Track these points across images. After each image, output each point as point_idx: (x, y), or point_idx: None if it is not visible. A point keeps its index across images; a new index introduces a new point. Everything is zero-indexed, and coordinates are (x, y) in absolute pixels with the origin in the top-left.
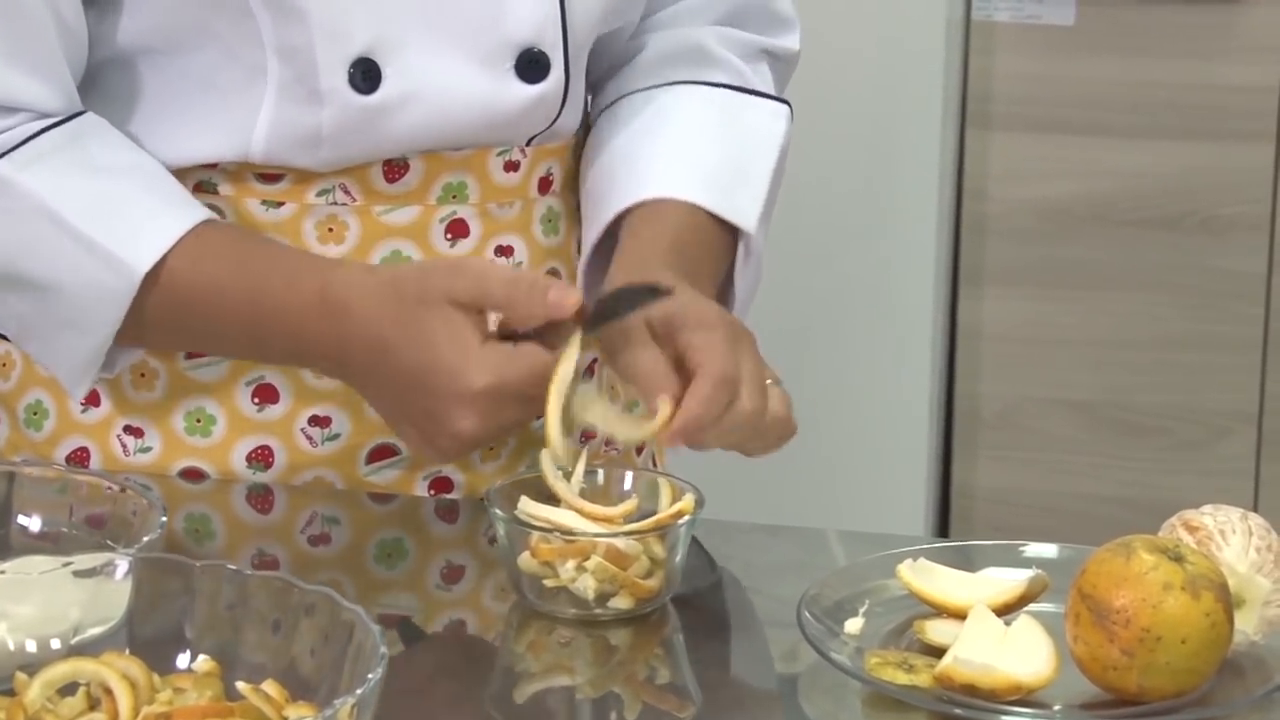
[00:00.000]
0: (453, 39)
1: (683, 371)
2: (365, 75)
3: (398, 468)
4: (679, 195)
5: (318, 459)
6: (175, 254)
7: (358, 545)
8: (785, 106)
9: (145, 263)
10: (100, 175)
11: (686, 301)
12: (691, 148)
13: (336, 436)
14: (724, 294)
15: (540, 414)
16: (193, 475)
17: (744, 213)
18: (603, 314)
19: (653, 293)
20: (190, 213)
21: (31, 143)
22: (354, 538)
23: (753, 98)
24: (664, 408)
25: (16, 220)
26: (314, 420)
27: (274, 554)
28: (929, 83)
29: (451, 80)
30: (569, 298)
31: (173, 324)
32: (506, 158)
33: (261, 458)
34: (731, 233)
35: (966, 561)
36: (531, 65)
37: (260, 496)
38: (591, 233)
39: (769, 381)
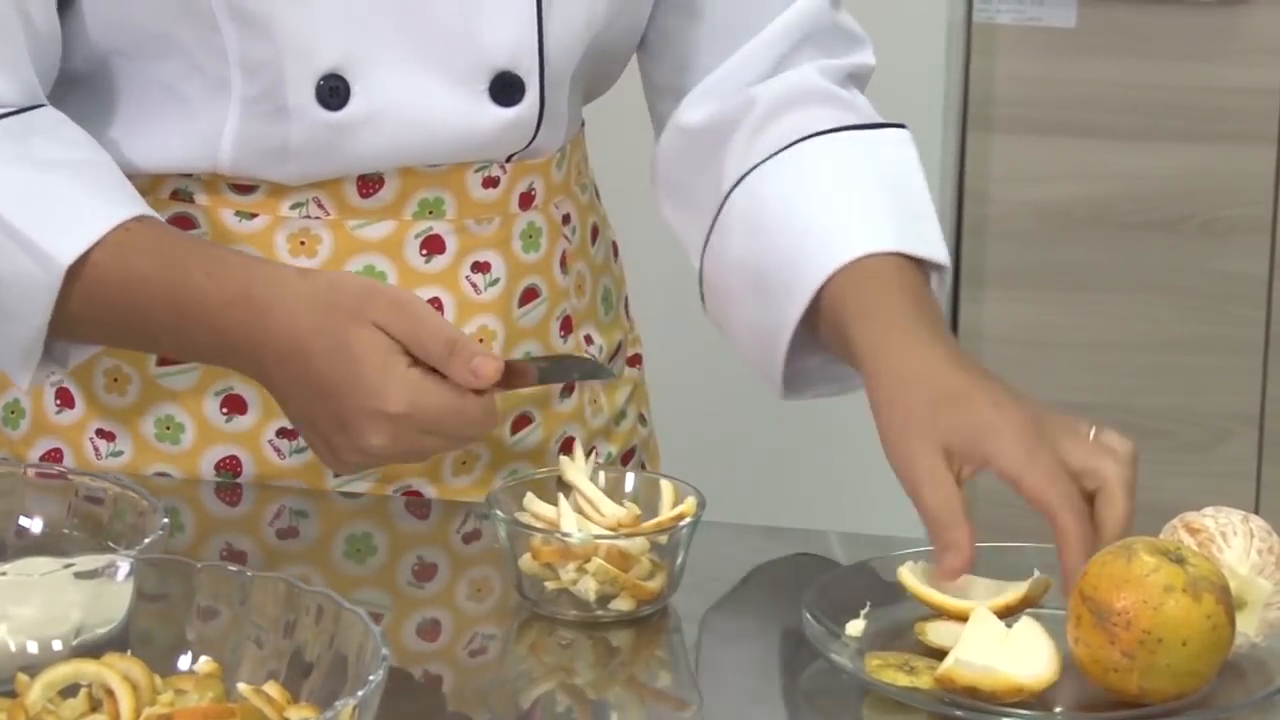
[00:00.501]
0: (425, 59)
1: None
2: (333, 92)
3: (367, 480)
4: (874, 249)
5: (286, 471)
6: (101, 248)
7: (326, 540)
8: (905, 131)
9: (68, 256)
10: (39, 168)
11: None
12: (858, 199)
13: (304, 449)
14: None
15: (452, 449)
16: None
17: (934, 245)
18: (548, 376)
19: (592, 371)
20: (122, 209)
21: None
22: (323, 532)
23: (876, 131)
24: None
25: None
26: (282, 432)
27: (242, 549)
28: (930, 85)
29: (423, 100)
30: (487, 368)
31: (99, 317)
32: (485, 174)
33: (229, 467)
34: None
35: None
36: (506, 89)
37: (228, 491)
38: (793, 310)
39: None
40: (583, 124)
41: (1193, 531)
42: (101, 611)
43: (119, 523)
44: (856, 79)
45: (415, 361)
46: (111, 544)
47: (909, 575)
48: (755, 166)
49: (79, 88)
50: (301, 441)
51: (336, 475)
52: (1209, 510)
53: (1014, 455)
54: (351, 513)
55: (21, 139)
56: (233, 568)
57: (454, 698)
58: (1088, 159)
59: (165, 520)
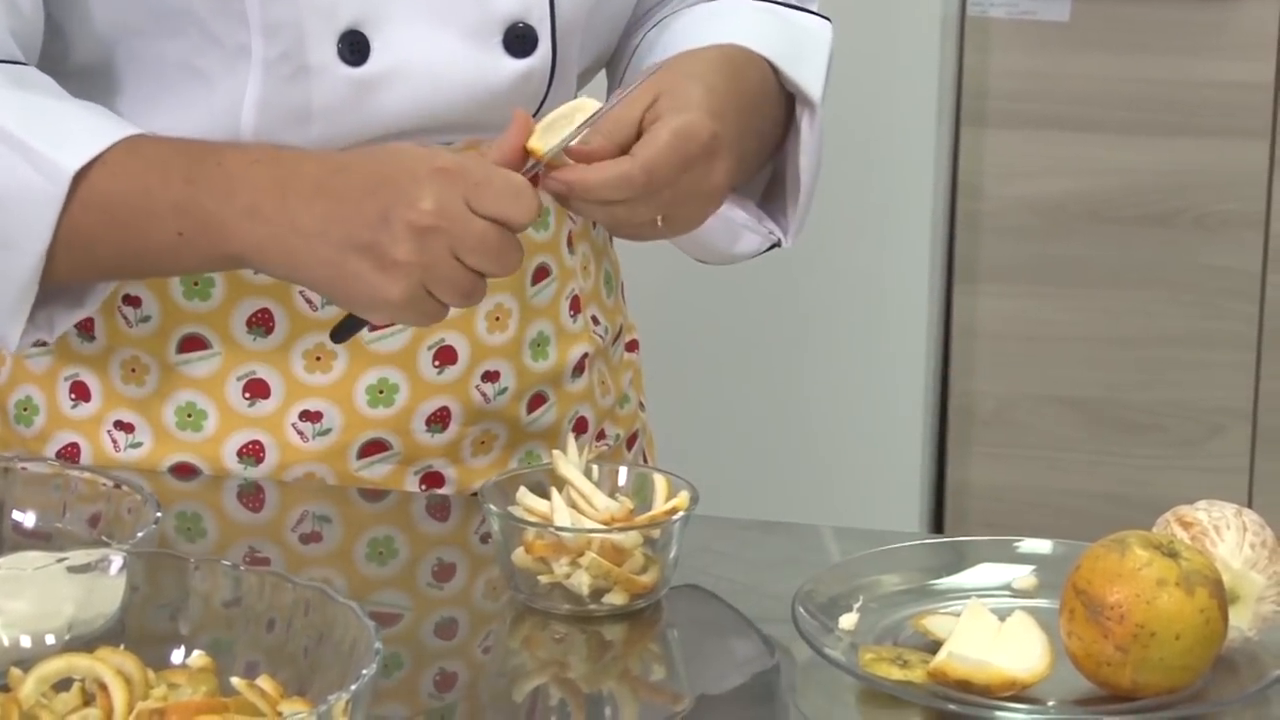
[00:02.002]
0: (439, 12)
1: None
2: (353, 48)
3: (389, 462)
4: (746, 44)
5: (309, 454)
6: (108, 156)
7: (349, 542)
8: (828, 22)
9: (77, 160)
10: (40, 94)
11: (681, 111)
12: (751, 22)
13: (328, 432)
14: (778, 182)
15: (494, 264)
16: (184, 470)
17: (809, 81)
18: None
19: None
20: (127, 127)
21: None
22: (345, 535)
23: (799, 11)
24: (593, 140)
25: None
26: (305, 415)
27: (265, 552)
28: (924, 79)
29: (439, 53)
30: (514, 136)
31: (103, 228)
32: None
33: (252, 453)
34: (783, 110)
35: (961, 558)
36: (519, 40)
37: (251, 494)
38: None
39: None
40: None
41: (1186, 525)
42: (95, 606)
43: (112, 517)
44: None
45: None
46: (105, 538)
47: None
48: (675, 13)
49: (90, 77)
50: (324, 424)
51: (377, 323)
52: (1202, 504)
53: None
54: (374, 515)
55: (15, 76)
56: (225, 562)
57: (446, 692)
58: (1081, 154)
59: (158, 514)
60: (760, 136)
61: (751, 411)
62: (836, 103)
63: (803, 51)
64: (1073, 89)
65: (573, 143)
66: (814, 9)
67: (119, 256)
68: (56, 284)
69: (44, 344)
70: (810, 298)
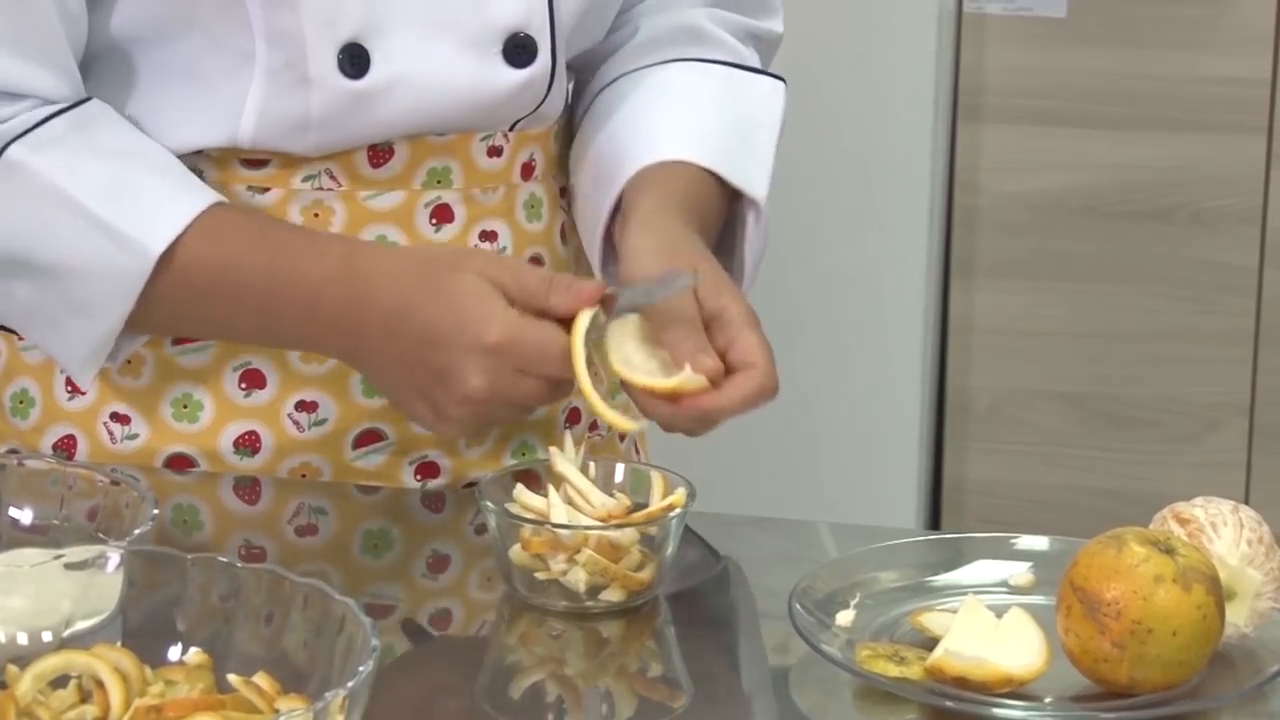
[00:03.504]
0: (440, 24)
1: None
2: (354, 61)
3: (384, 453)
4: (689, 158)
5: (304, 444)
6: (190, 234)
7: (345, 536)
8: (781, 83)
9: (160, 243)
10: (111, 159)
11: (731, 299)
12: (696, 116)
13: (323, 422)
14: (726, 263)
15: (544, 402)
16: (180, 462)
17: (754, 181)
18: (626, 301)
19: (673, 284)
20: (203, 195)
21: (41, 127)
22: (341, 528)
23: (750, 74)
24: (707, 360)
25: (30, 203)
26: (301, 405)
27: (261, 545)
28: (921, 75)
29: (439, 65)
30: (592, 286)
31: (185, 305)
32: (490, 143)
33: (249, 443)
34: (730, 202)
35: (958, 554)
36: (519, 50)
37: (247, 488)
38: (606, 201)
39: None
40: (567, 104)
41: (1183, 522)
42: (92, 602)
43: (109, 513)
44: (760, 40)
45: (514, 304)
46: (102, 535)
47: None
48: (624, 74)
49: (91, 75)
50: (320, 414)
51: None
52: (1199, 500)
53: (752, 343)
54: (369, 508)
55: (86, 131)
56: (222, 559)
57: (443, 689)
58: (1078, 149)
59: (155, 511)
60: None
61: None
62: (834, 98)
63: (749, 143)
64: (1069, 84)
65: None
66: (769, 71)
67: (200, 328)
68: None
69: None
70: (806, 292)
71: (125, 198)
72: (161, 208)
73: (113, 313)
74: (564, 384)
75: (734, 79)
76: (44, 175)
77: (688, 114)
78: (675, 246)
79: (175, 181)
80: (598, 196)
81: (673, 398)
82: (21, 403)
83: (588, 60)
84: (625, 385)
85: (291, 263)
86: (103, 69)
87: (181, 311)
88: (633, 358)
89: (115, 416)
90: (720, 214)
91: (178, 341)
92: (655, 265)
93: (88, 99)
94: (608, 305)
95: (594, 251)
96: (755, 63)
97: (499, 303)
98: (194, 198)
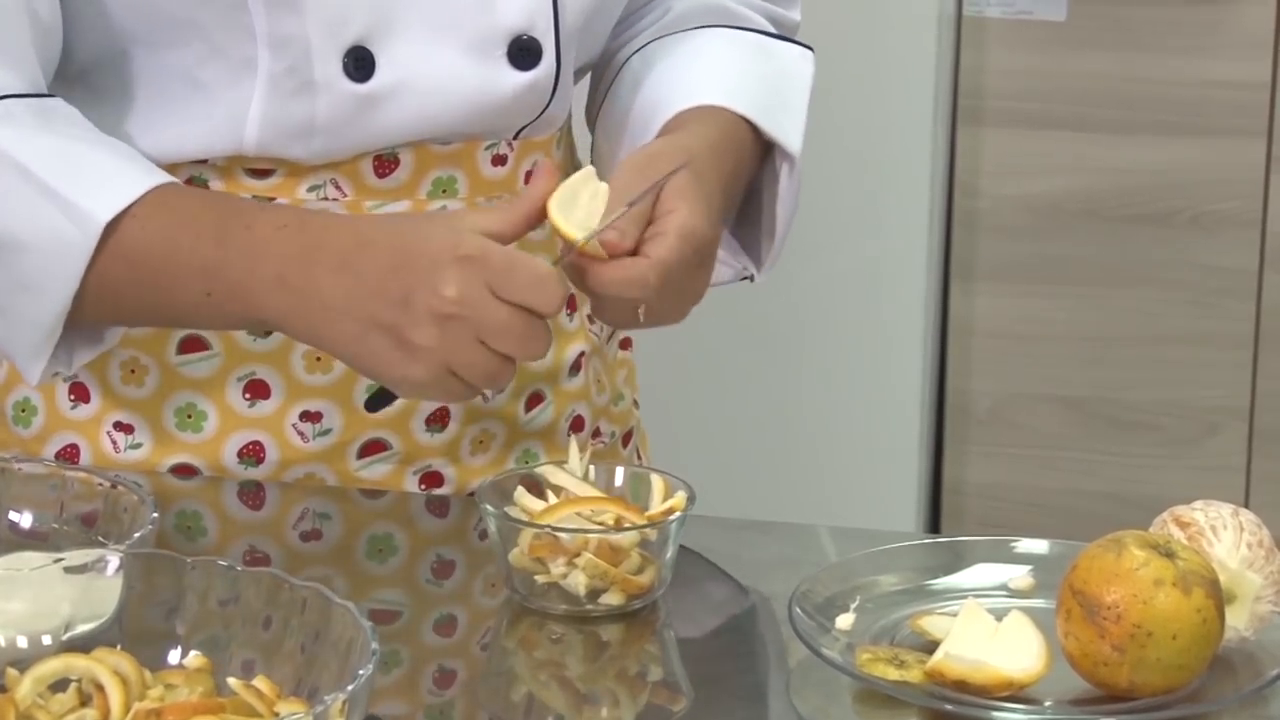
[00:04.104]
0: (444, 27)
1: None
2: (359, 64)
3: (388, 463)
4: (726, 104)
5: (309, 454)
6: (140, 205)
7: (348, 541)
8: (810, 51)
9: (108, 211)
10: (66, 138)
11: (685, 204)
12: (730, 70)
13: (328, 432)
14: (754, 218)
15: (518, 349)
16: (183, 472)
17: (789, 134)
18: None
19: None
20: (156, 175)
21: None
22: (345, 534)
23: (781, 41)
24: (607, 233)
25: None
26: (305, 416)
27: (265, 550)
28: (920, 78)
29: (444, 68)
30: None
31: (129, 280)
32: (495, 151)
33: (253, 453)
34: (761, 162)
35: (957, 558)
36: (523, 52)
37: (251, 493)
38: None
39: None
40: (570, 112)
41: (1182, 525)
42: (91, 606)
43: (109, 516)
44: (781, 25)
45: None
46: (101, 538)
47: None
48: (656, 39)
49: (89, 83)
50: (324, 424)
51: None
52: (1199, 504)
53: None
54: (373, 514)
55: (42, 115)
56: (222, 562)
57: (443, 692)
58: (1078, 153)
59: (155, 514)
60: (737, 195)
61: (746, 410)
62: (834, 101)
63: (784, 97)
64: (1069, 88)
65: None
66: (796, 39)
67: (144, 308)
68: (80, 326)
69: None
70: (806, 296)
71: (75, 168)
72: (111, 179)
73: (60, 290)
74: (539, 330)
75: (764, 44)
76: None
77: (721, 69)
78: (666, 149)
79: (128, 160)
80: (629, 149)
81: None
82: (24, 411)
83: (609, 49)
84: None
85: (243, 218)
86: (102, 76)
87: (126, 292)
88: (570, 206)
89: (118, 426)
90: (754, 161)
91: (181, 350)
92: (638, 162)
93: (52, 95)
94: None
95: None
96: (775, 32)
97: (465, 223)
98: (147, 174)
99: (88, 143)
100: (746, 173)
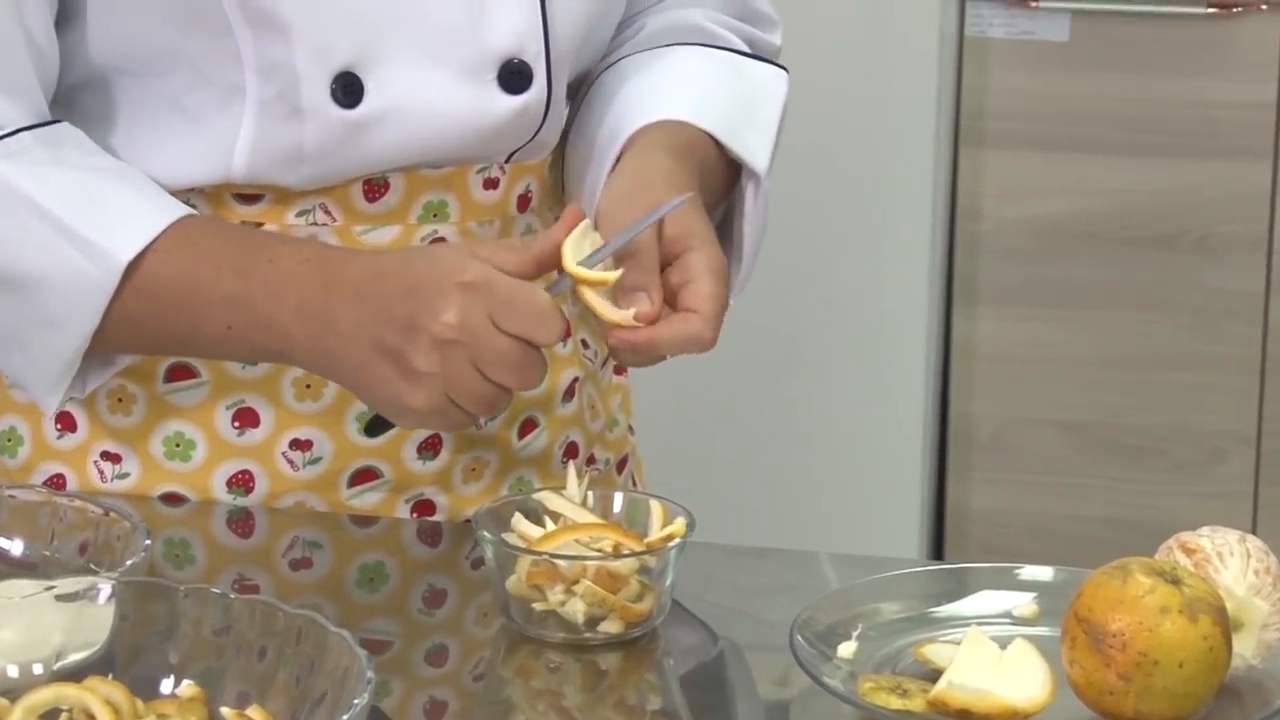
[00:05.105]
0: (434, 51)
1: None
2: (347, 90)
3: (380, 491)
4: (691, 120)
5: (299, 483)
6: (159, 244)
7: (339, 569)
8: (784, 72)
9: (128, 251)
10: (81, 170)
11: (699, 242)
12: (698, 86)
13: (318, 460)
14: (724, 236)
15: (516, 379)
16: (172, 500)
17: (755, 153)
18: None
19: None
20: (174, 208)
21: (9, 139)
22: (335, 561)
23: (753, 60)
24: (641, 306)
25: None
26: (295, 444)
27: (254, 579)
28: (922, 99)
29: (433, 92)
30: (570, 211)
31: (152, 316)
32: (486, 175)
33: (242, 482)
34: (730, 182)
35: (961, 585)
36: (514, 76)
37: (241, 520)
38: (604, 165)
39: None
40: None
41: (1189, 552)
42: (83, 635)
43: (101, 544)
44: (759, 48)
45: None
46: (93, 566)
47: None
48: (627, 56)
49: (74, 110)
50: (315, 452)
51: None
52: (1205, 530)
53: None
54: (364, 541)
55: (53, 145)
56: (215, 590)
57: None
58: (1082, 174)
59: (148, 542)
60: (713, 208)
61: (746, 435)
62: (834, 122)
63: (752, 116)
64: (1073, 109)
65: (597, 261)
66: (772, 59)
67: (165, 340)
68: (96, 354)
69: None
70: (807, 318)
71: (93, 206)
72: (130, 216)
73: (80, 325)
74: (535, 360)
75: (736, 62)
76: (10, 183)
77: (689, 84)
78: (654, 177)
79: (145, 194)
80: (595, 164)
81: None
82: (10, 440)
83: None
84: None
85: (265, 252)
86: (85, 102)
87: (147, 325)
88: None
89: (106, 455)
90: (720, 178)
91: (169, 379)
92: (629, 193)
93: (58, 121)
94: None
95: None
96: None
97: (474, 255)
98: (164, 209)
99: (103, 174)
100: (712, 185)
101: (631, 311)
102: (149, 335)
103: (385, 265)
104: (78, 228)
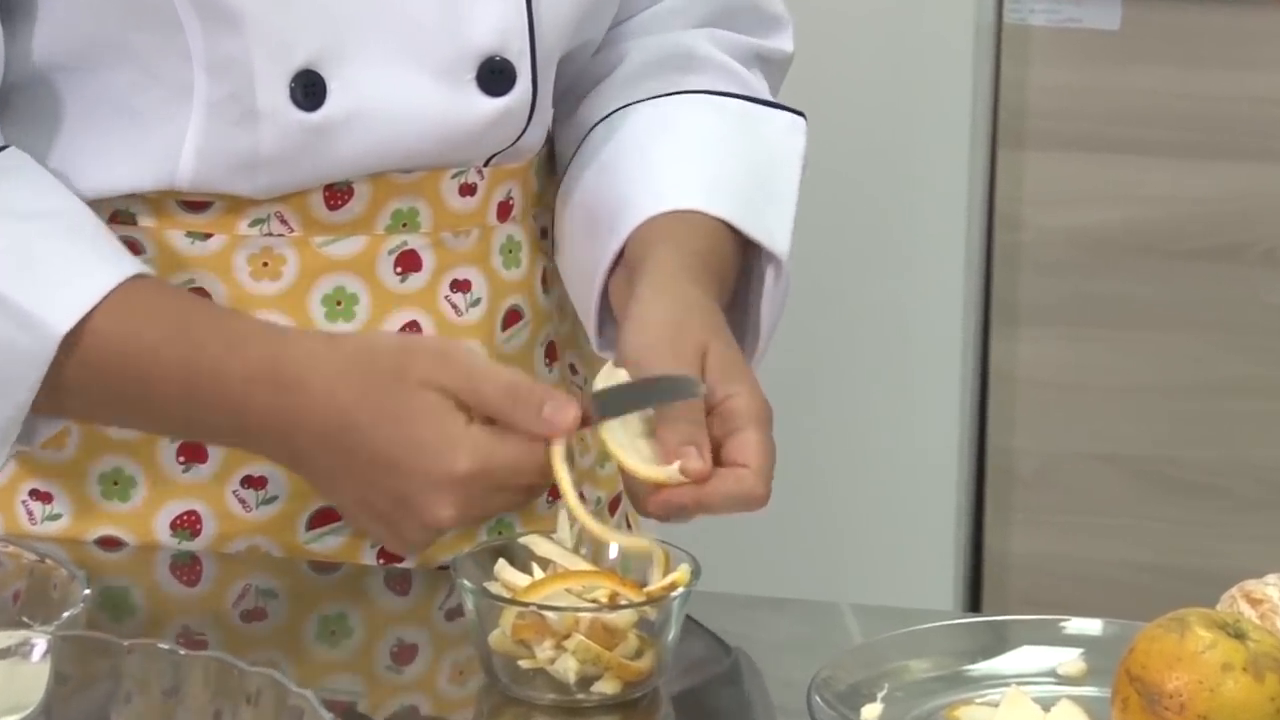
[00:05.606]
0: (405, 48)
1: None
2: (307, 90)
3: (342, 534)
4: (704, 209)
5: (252, 525)
6: (100, 313)
7: (297, 621)
8: (801, 119)
9: (64, 324)
10: (20, 221)
11: (741, 386)
12: (707, 158)
13: (273, 499)
14: (738, 321)
15: (520, 508)
16: (109, 545)
17: (774, 234)
18: (610, 408)
19: (673, 390)
20: (118, 267)
21: None
22: (292, 612)
23: (766, 109)
24: (691, 462)
25: None
26: (247, 481)
27: (202, 632)
28: (955, 95)
29: (405, 94)
30: (566, 415)
31: (97, 392)
32: (462, 180)
33: (187, 524)
34: (743, 253)
35: (999, 640)
36: (495, 76)
37: (186, 566)
38: (606, 254)
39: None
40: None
41: (1254, 602)
42: (14, 695)
43: (35, 595)
44: (767, 63)
45: (473, 417)
46: (26, 619)
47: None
48: (623, 107)
49: (11, 111)
50: (270, 490)
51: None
52: (1272, 578)
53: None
54: (325, 590)
55: None
56: (163, 645)
57: None
58: (1134, 179)
59: (87, 591)
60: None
61: None
62: (859, 122)
63: (770, 187)
64: (1124, 106)
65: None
66: (785, 105)
67: (119, 413)
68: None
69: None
70: (825, 340)
71: (29, 269)
72: (70, 281)
73: (16, 395)
74: (539, 487)
75: (747, 115)
76: None
77: (697, 155)
78: (686, 317)
79: (89, 249)
80: (594, 248)
81: (652, 487)
82: None
83: (570, 86)
84: (617, 463)
85: (211, 361)
86: (23, 102)
87: (95, 398)
88: (618, 433)
89: (35, 494)
90: (736, 270)
91: None
92: (663, 339)
93: (5, 147)
94: (587, 417)
95: (589, 310)
96: (762, 89)
97: (459, 422)
98: (108, 270)
99: (45, 224)
100: (730, 288)
101: (675, 466)
102: (97, 410)
103: (352, 414)
104: (11, 295)
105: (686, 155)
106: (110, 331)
